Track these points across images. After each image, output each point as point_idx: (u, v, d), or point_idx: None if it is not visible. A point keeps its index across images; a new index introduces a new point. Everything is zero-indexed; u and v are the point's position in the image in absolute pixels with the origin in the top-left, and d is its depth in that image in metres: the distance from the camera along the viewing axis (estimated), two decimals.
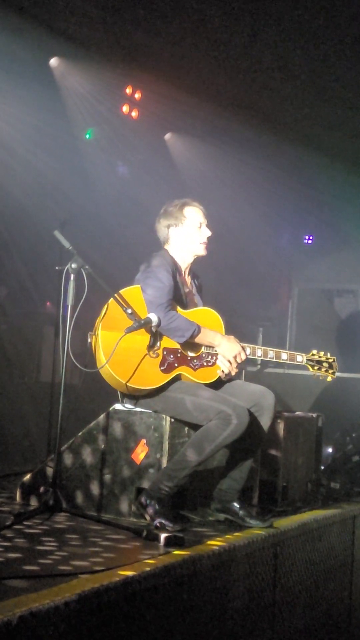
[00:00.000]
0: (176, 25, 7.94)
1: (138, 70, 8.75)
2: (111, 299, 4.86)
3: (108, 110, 9.06)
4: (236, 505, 4.98)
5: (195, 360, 5.01)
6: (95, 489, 5.12)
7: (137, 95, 9.11)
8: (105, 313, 4.87)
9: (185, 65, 8.63)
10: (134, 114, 9.17)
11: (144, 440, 5.04)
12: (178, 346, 4.96)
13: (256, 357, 5.20)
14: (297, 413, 6.20)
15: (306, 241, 11.88)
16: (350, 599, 5.95)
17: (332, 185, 10.67)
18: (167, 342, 4.94)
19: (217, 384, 5.08)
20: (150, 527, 4.53)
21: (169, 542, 4.20)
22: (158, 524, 4.61)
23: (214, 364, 5.06)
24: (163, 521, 4.62)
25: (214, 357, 5.05)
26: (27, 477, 5.37)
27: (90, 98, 8.85)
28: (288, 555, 4.93)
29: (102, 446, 5.15)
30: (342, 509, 5.96)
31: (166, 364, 4.92)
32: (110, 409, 5.18)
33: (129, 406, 5.08)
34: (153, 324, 4.82)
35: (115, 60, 8.46)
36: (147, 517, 4.72)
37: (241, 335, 5.21)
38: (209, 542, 4.31)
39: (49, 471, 5.12)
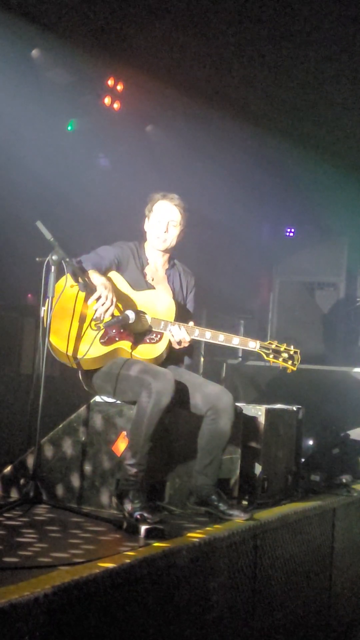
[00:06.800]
0: (158, 17, 7.92)
1: (120, 62, 8.73)
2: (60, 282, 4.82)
3: (90, 102, 9.03)
4: (214, 498, 4.97)
5: (137, 336, 5.02)
6: (75, 481, 5.12)
7: (119, 87, 9.09)
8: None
9: (167, 57, 8.62)
10: (115, 105, 9.14)
11: (124, 432, 5.03)
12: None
13: (205, 340, 5.13)
14: (277, 405, 6.20)
15: (287, 234, 11.88)
16: (330, 591, 5.98)
17: (313, 178, 10.67)
18: None
19: (178, 376, 5.02)
20: (130, 519, 4.53)
21: (150, 534, 4.20)
22: (138, 516, 4.60)
23: (157, 341, 5.05)
24: (143, 513, 4.62)
25: (159, 335, 5.05)
26: (8, 468, 5.36)
27: (72, 90, 8.82)
28: (268, 547, 4.94)
29: (83, 438, 5.15)
30: (322, 501, 5.98)
31: (107, 337, 4.96)
32: (91, 401, 5.19)
33: (106, 398, 5.10)
34: (130, 321, 4.86)
35: (97, 52, 8.44)
36: (125, 512, 4.69)
37: (222, 327, 5.19)
38: (189, 534, 4.31)
39: (30, 463, 5.12)
